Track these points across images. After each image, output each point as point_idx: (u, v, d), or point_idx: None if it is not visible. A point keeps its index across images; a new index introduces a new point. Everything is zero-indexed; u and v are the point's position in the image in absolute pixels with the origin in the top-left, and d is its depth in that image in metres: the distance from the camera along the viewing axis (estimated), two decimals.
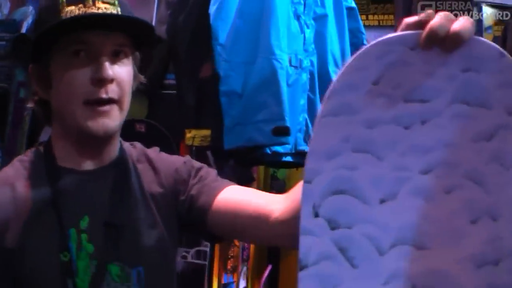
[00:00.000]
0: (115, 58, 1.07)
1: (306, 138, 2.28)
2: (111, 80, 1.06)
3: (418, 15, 0.72)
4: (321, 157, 0.77)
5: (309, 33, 2.26)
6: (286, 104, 2.08)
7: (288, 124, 2.06)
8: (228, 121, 2.06)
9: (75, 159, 1.12)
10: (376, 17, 3.44)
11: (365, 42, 2.57)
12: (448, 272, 0.78)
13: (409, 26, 0.73)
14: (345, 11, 2.44)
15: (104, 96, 1.06)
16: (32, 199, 1.08)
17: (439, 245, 0.78)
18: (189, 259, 2.18)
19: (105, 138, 1.10)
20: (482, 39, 0.74)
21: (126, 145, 1.18)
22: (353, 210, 0.78)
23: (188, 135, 2.19)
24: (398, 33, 0.74)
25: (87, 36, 1.06)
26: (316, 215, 0.78)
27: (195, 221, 1.14)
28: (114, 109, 1.07)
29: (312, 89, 2.28)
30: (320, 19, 2.32)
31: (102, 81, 1.05)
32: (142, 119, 2.28)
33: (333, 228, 0.78)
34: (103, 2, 1.07)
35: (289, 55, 2.15)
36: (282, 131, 2.05)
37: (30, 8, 2.56)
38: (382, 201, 0.77)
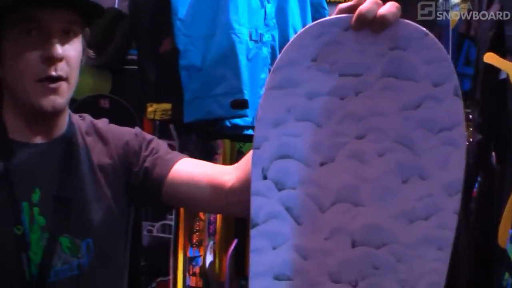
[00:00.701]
0: (66, 36, 1.11)
1: None
2: (61, 59, 1.09)
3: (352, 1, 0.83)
4: (268, 126, 0.87)
5: (270, 7, 2.30)
6: (245, 78, 2.13)
7: (246, 97, 2.12)
8: (188, 95, 2.11)
9: (25, 133, 1.15)
10: None
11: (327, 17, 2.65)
12: (383, 226, 0.89)
13: (343, 11, 0.83)
14: None
15: (54, 73, 1.09)
16: None
17: (374, 203, 0.88)
18: (155, 232, 2.23)
19: (54, 114, 1.14)
20: (408, 21, 0.84)
21: (75, 118, 1.22)
22: (297, 172, 0.88)
23: (150, 109, 2.22)
24: (333, 16, 0.84)
25: (38, 14, 1.08)
26: (265, 177, 0.89)
27: (150, 192, 1.19)
28: (63, 85, 1.11)
29: (273, 63, 2.31)
30: None
31: (52, 59, 1.09)
32: (107, 95, 2.31)
33: (280, 189, 0.89)
34: None
35: (249, 29, 2.19)
36: (241, 104, 2.10)
37: None
38: (322, 164, 0.88)
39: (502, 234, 1.85)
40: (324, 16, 2.54)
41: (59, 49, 1.09)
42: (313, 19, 2.47)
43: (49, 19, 1.09)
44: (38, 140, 1.16)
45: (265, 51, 2.27)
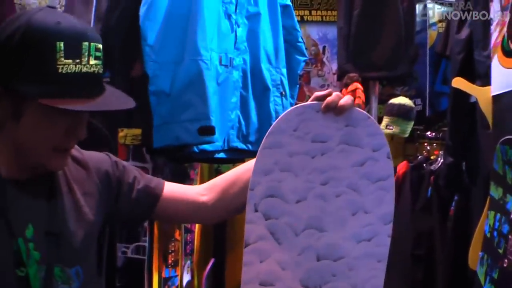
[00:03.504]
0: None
1: (240, 135, 2.79)
2: None
3: (325, 91, 1.47)
4: (261, 174, 1.51)
5: (241, 31, 2.82)
6: (213, 104, 2.55)
7: (213, 123, 2.55)
8: (157, 120, 2.51)
9: (13, 170, 1.41)
10: (319, 12, 4.28)
11: (300, 39, 3.13)
12: (339, 245, 1.53)
13: (318, 98, 1.48)
14: (279, 9, 3.01)
15: (72, 146, 1.44)
16: None
17: (332, 229, 1.52)
18: (129, 254, 2.66)
19: None
20: (358, 109, 1.48)
21: None
22: (279, 207, 1.51)
23: (121, 134, 2.65)
24: (310, 102, 1.49)
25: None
26: (256, 210, 1.52)
27: (141, 211, 1.62)
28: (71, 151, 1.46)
29: (245, 86, 2.82)
30: (253, 17, 2.89)
31: (77, 139, 1.42)
32: None
33: (266, 219, 1.52)
34: (95, 58, 1.37)
35: (219, 54, 2.65)
36: (208, 131, 2.54)
37: None
38: (298, 201, 1.52)
39: (472, 256, 2.19)
40: (297, 38, 3.11)
41: (85, 132, 1.43)
42: (285, 42, 3.03)
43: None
44: (24, 176, 1.43)
45: (236, 75, 2.78)
